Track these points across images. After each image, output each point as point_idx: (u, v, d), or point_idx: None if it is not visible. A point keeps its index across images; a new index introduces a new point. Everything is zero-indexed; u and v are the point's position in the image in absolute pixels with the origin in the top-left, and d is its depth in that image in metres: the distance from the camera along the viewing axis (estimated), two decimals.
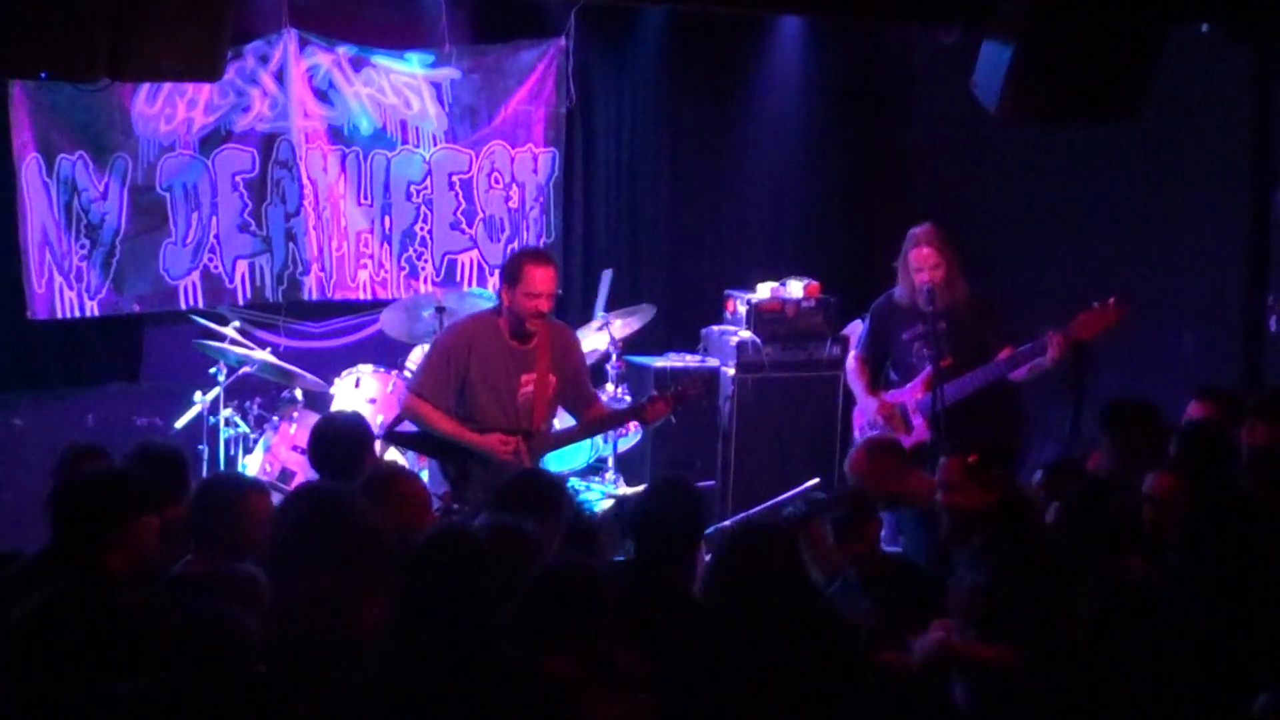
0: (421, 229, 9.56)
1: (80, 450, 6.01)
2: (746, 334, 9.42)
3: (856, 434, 7.95)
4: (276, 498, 7.89)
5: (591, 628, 4.45)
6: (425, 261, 9.58)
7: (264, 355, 8.55)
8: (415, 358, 8.57)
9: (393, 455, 7.98)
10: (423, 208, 9.54)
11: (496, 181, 9.64)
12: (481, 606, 4.31)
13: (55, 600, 4.48)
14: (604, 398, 8.31)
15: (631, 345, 9.19)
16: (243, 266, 9.14)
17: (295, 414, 8.41)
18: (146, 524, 4.91)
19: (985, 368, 7.50)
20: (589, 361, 7.92)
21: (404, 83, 9.39)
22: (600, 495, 8.27)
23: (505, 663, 4.27)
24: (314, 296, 9.30)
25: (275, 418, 8.48)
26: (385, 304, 9.14)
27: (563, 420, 7.50)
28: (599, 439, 8.44)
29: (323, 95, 9.18)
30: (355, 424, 6.44)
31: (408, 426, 7.25)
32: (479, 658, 4.24)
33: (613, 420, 7.58)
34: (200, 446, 8.33)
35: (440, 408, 6.97)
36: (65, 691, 4.06)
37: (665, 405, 7.26)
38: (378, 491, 5.35)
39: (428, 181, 9.52)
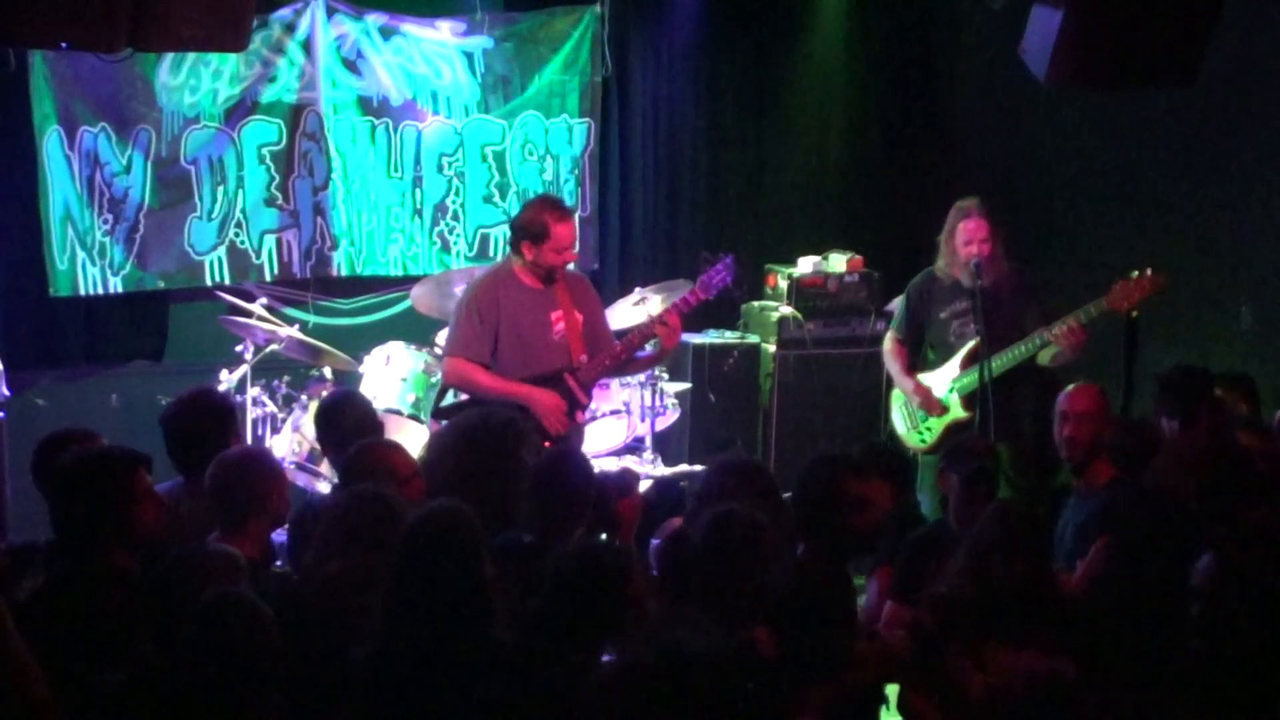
0: (453, 202, 9.39)
1: (59, 438, 5.40)
2: (788, 310, 9.26)
3: (894, 415, 7.79)
4: (304, 478, 7.90)
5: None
6: (457, 235, 9.42)
7: (292, 332, 8.39)
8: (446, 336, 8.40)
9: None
10: (454, 180, 9.39)
11: (530, 153, 9.49)
12: (479, 584, 4.24)
13: (45, 593, 4.38)
14: (640, 376, 8.25)
15: None
16: (269, 241, 9.02)
17: (324, 393, 8.20)
18: (146, 507, 4.66)
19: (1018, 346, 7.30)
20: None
21: (435, 52, 9.25)
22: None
23: (530, 654, 4.18)
24: (343, 272, 9.16)
25: (304, 396, 8.34)
26: (416, 279, 8.98)
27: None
28: (636, 419, 8.34)
29: (351, 65, 9.05)
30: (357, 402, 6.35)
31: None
32: (477, 639, 4.18)
33: (650, 329, 7.13)
34: None
35: (482, 365, 6.94)
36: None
37: (698, 295, 7.24)
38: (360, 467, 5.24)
39: (459, 153, 9.36)
